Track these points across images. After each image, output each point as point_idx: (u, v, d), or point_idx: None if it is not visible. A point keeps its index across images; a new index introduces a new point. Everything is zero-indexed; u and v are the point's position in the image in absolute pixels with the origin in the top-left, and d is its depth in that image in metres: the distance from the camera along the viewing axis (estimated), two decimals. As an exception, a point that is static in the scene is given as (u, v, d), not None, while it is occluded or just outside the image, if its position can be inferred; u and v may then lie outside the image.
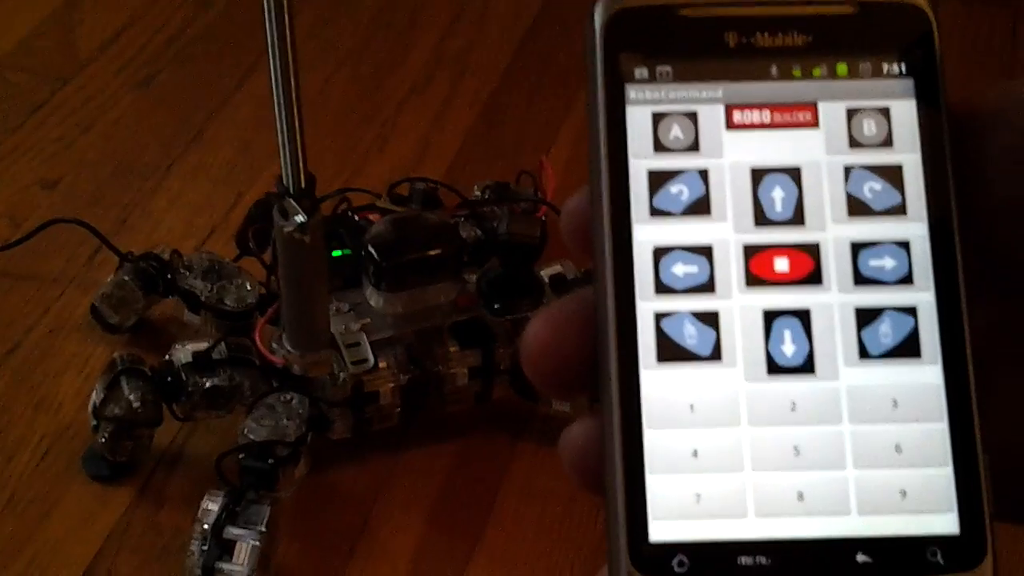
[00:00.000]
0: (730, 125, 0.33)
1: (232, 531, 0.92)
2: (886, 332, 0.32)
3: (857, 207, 0.33)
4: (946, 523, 0.30)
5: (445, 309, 1.04)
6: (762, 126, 0.33)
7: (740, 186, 0.33)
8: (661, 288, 0.32)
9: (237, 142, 1.38)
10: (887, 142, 0.33)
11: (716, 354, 0.32)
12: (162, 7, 1.56)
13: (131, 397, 1.00)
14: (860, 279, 0.32)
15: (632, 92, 0.33)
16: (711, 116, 0.33)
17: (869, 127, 0.33)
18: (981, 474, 0.30)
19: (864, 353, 0.32)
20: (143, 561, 0.98)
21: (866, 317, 0.32)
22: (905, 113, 0.33)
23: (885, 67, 0.33)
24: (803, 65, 0.33)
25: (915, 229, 0.32)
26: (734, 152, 0.33)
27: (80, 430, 1.06)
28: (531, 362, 0.33)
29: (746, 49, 0.33)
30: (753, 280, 0.32)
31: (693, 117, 0.33)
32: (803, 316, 0.32)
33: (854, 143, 0.33)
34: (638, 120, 0.33)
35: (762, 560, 0.30)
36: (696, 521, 0.30)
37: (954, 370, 0.31)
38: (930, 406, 0.31)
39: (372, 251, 1.01)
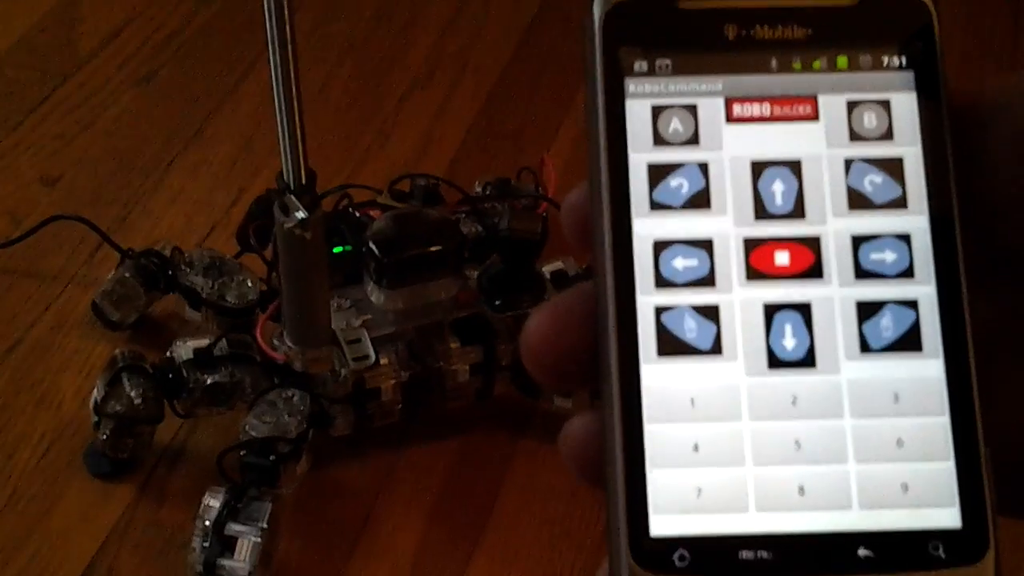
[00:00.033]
0: (730, 118, 0.33)
1: (233, 528, 0.92)
2: (887, 326, 0.31)
3: (858, 200, 0.32)
4: (948, 517, 0.30)
5: (446, 305, 1.04)
6: (762, 119, 0.33)
7: (740, 179, 0.33)
8: (661, 282, 0.32)
9: (238, 138, 1.38)
10: (888, 135, 0.33)
11: (717, 348, 0.31)
12: (162, 4, 1.56)
13: (132, 394, 1.00)
14: (861, 272, 0.32)
15: (631, 85, 0.33)
16: (711, 109, 0.33)
17: (870, 120, 0.33)
18: (983, 468, 0.30)
19: (865, 347, 0.31)
20: (144, 558, 0.99)
21: (867, 311, 0.32)
22: (906, 106, 0.33)
23: (885, 60, 0.33)
24: (803, 58, 0.33)
25: (916, 222, 0.32)
26: (734, 145, 0.33)
27: (81, 427, 1.06)
28: (531, 356, 0.33)
29: (746, 42, 0.33)
30: (754, 274, 0.32)
31: (693, 110, 0.33)
32: (804, 310, 0.32)
33: (854, 136, 0.33)
34: (637, 113, 0.33)
35: (763, 554, 0.30)
36: (697, 515, 0.30)
37: (956, 363, 0.31)
38: (932, 400, 0.31)
39: (373, 247, 1.01)
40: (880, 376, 0.31)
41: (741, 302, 0.32)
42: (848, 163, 0.33)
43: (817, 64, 0.33)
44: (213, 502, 0.93)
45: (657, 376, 0.31)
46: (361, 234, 1.04)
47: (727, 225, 0.32)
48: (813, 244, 0.32)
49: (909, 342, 0.31)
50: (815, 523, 0.30)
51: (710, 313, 0.32)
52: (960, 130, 0.32)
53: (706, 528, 0.30)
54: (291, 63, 0.87)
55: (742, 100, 0.33)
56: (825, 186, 0.33)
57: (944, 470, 0.30)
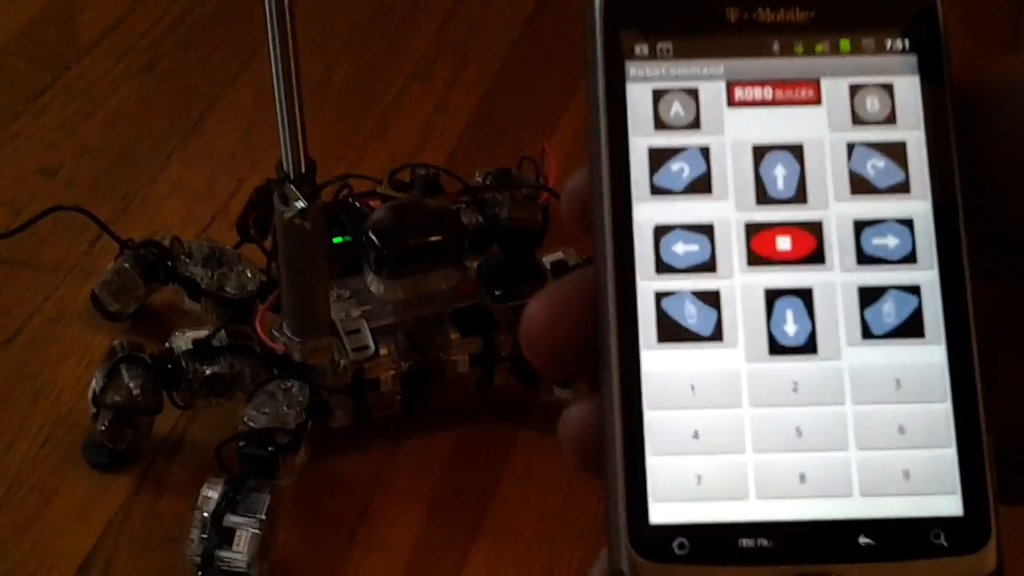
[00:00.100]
0: (731, 102, 0.33)
1: (232, 519, 0.92)
2: (889, 311, 0.31)
3: (860, 185, 0.32)
4: (949, 505, 0.30)
5: (446, 296, 1.04)
6: (764, 103, 0.33)
7: (742, 164, 0.32)
8: (662, 267, 0.32)
9: (238, 129, 1.38)
10: (890, 119, 0.33)
11: (717, 334, 0.31)
12: (162, -6, 1.56)
13: (131, 385, 0.99)
14: (863, 258, 0.32)
15: (632, 69, 0.33)
16: (712, 93, 0.33)
17: (872, 104, 0.33)
18: (985, 455, 0.30)
19: (867, 333, 0.31)
20: (142, 549, 0.98)
21: (869, 296, 0.31)
22: (908, 89, 0.33)
23: (888, 43, 0.33)
24: (805, 41, 0.33)
25: (918, 207, 0.32)
26: (736, 129, 0.33)
27: (80, 418, 1.05)
28: (530, 343, 0.32)
29: (748, 25, 0.32)
30: (755, 259, 0.32)
31: (694, 94, 0.33)
32: (805, 295, 0.31)
33: (857, 120, 0.33)
34: (638, 97, 0.32)
35: (763, 542, 0.29)
36: (697, 503, 0.30)
37: (958, 350, 0.31)
38: (933, 387, 0.31)
39: (373, 237, 1.01)
40: (882, 362, 0.31)
41: (742, 287, 0.31)
42: (850, 147, 0.32)
43: (819, 47, 0.33)
44: (211, 493, 0.92)
45: (657, 362, 0.31)
46: (361, 224, 1.04)
47: (728, 210, 0.32)
48: (815, 229, 0.32)
49: (911, 328, 0.31)
50: (816, 511, 0.30)
51: (711, 299, 0.31)
52: (963, 114, 0.32)
53: (706, 516, 0.30)
54: (291, 53, 0.87)
55: (744, 84, 0.33)
56: (827, 170, 0.32)
57: (945, 457, 0.30)
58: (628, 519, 0.30)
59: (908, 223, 0.32)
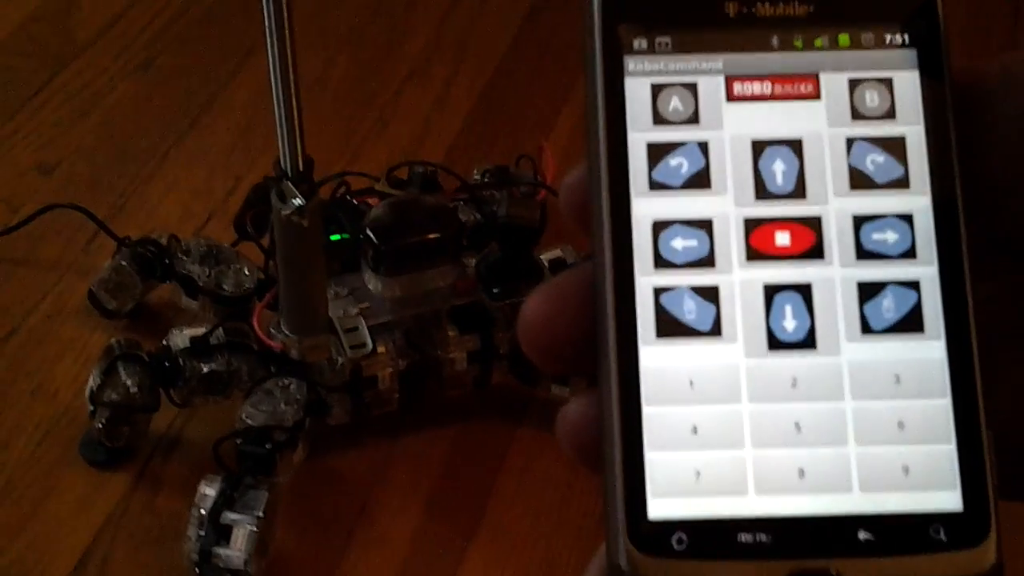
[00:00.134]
0: (730, 97, 0.33)
1: (229, 516, 0.92)
2: (889, 307, 0.31)
3: (859, 180, 0.32)
4: (949, 500, 0.30)
5: (444, 293, 1.04)
6: (763, 98, 0.33)
7: (741, 159, 0.32)
8: (660, 262, 0.31)
9: (236, 127, 1.37)
10: (890, 114, 0.32)
11: (716, 329, 0.31)
12: (160, -9, 1.56)
13: (128, 382, 0.99)
14: (862, 253, 0.32)
15: (631, 63, 0.32)
16: (711, 88, 0.33)
17: (872, 98, 0.33)
18: (985, 451, 0.30)
19: (866, 328, 0.31)
20: (140, 546, 0.98)
21: (868, 291, 0.31)
22: (908, 84, 0.33)
23: (888, 37, 0.33)
24: (804, 35, 0.33)
25: (918, 202, 0.32)
26: (734, 124, 0.32)
27: (77, 416, 1.05)
28: (528, 338, 0.32)
29: (747, 19, 0.32)
30: (754, 254, 0.32)
31: (693, 89, 0.33)
32: (804, 291, 0.31)
33: (856, 115, 0.32)
34: (637, 92, 0.32)
35: (762, 537, 0.29)
36: (695, 498, 0.30)
37: (958, 345, 0.31)
38: (933, 382, 0.31)
39: (371, 235, 1.01)
40: (881, 358, 0.31)
41: (741, 283, 0.31)
42: (850, 142, 0.32)
43: (819, 42, 0.33)
44: (209, 491, 0.92)
45: (655, 358, 0.31)
46: (359, 222, 1.04)
47: (727, 205, 0.32)
48: (814, 224, 0.32)
49: (911, 323, 0.31)
50: (815, 506, 0.30)
51: (710, 294, 0.31)
52: (963, 109, 0.32)
53: (705, 511, 0.30)
54: (288, 50, 0.87)
55: (743, 78, 0.33)
56: (826, 166, 0.32)
57: (945, 453, 0.30)
58: (627, 514, 0.29)
59: (908, 218, 0.32)
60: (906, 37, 0.33)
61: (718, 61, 0.33)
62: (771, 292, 0.31)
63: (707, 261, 0.32)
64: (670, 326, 0.31)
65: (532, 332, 0.32)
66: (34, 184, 1.29)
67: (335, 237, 1.06)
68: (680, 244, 0.32)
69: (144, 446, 1.04)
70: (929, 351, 0.31)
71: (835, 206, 0.32)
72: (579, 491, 1.02)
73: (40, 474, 1.03)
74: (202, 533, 0.91)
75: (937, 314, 0.31)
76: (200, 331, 1.02)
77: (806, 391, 0.31)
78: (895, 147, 0.32)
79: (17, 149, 1.34)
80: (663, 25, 0.32)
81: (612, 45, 0.32)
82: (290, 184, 0.91)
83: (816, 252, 0.32)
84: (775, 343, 0.31)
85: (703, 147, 0.32)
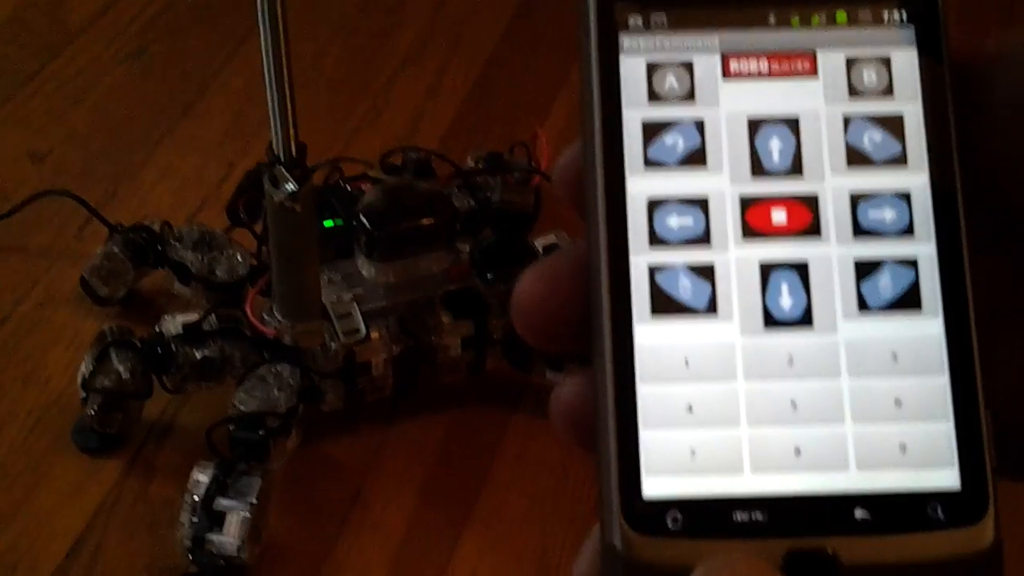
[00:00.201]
0: (727, 74, 0.32)
1: (222, 503, 0.91)
2: (886, 284, 0.31)
3: (856, 157, 0.32)
4: (947, 478, 0.29)
5: (438, 279, 1.04)
6: (759, 75, 0.32)
7: (736, 137, 0.32)
8: (655, 241, 0.31)
9: (229, 113, 1.37)
10: (887, 91, 0.32)
11: (712, 307, 0.31)
12: (152, -22, 1.55)
13: (120, 369, 0.99)
14: (859, 231, 0.31)
15: (626, 41, 0.32)
16: (707, 65, 0.32)
17: (869, 76, 0.32)
18: (983, 428, 0.30)
19: (863, 306, 0.31)
20: (133, 533, 0.98)
21: (865, 269, 0.31)
22: (906, 62, 0.32)
23: (886, 15, 0.32)
24: (801, 13, 0.32)
25: (916, 180, 0.32)
26: (730, 102, 0.32)
27: (69, 403, 1.05)
28: (522, 317, 0.32)
29: None
30: (750, 232, 0.31)
31: (689, 67, 0.32)
32: (801, 268, 0.31)
33: (854, 92, 0.32)
34: (632, 70, 0.32)
35: (758, 516, 0.29)
36: (691, 477, 0.29)
37: (956, 323, 0.30)
38: (931, 359, 0.30)
39: (364, 220, 1.01)
40: (878, 335, 0.31)
41: (737, 261, 0.31)
42: (847, 120, 0.32)
43: (816, 19, 0.32)
44: (202, 477, 0.92)
45: (650, 336, 0.30)
46: (352, 208, 1.04)
47: (723, 183, 0.32)
48: (811, 202, 0.32)
49: (908, 301, 0.31)
50: (811, 484, 0.29)
51: (705, 272, 0.31)
52: (962, 86, 0.32)
53: (700, 490, 0.29)
54: (281, 34, 0.86)
55: (739, 56, 0.32)
56: (823, 143, 0.32)
57: (943, 431, 0.30)
58: (621, 493, 0.29)
59: (905, 196, 0.31)
60: (904, 15, 0.32)
61: (714, 39, 0.32)
62: (767, 270, 0.31)
63: (702, 239, 0.31)
64: (665, 304, 0.31)
65: (525, 312, 0.32)
66: (26, 171, 1.28)
67: (328, 223, 1.06)
68: (675, 222, 0.31)
69: (137, 433, 1.04)
70: (927, 329, 0.31)
71: (832, 184, 0.32)
72: (574, 477, 1.02)
73: (32, 461, 1.03)
74: (195, 520, 0.91)
75: (935, 292, 0.31)
76: (193, 317, 1.01)
77: (802, 369, 0.30)
78: (893, 125, 0.32)
79: (9, 136, 1.33)
80: (658, 2, 0.32)
81: (607, 23, 0.32)
82: (283, 169, 0.90)
83: (813, 230, 0.31)
84: (771, 321, 0.31)
85: (699, 125, 0.32)
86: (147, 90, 1.40)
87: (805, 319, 0.31)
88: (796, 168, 0.32)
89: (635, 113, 0.32)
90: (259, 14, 0.85)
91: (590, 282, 0.31)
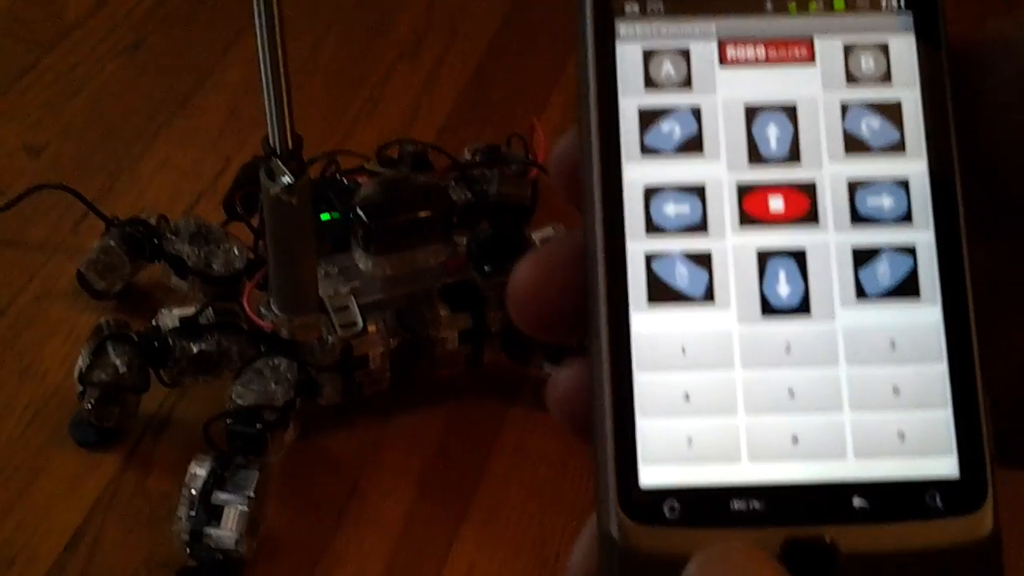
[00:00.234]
0: (723, 61, 0.32)
1: (220, 496, 0.91)
2: (884, 272, 0.31)
3: (854, 144, 0.32)
4: (945, 466, 0.29)
5: (435, 272, 1.03)
6: (756, 62, 0.32)
7: (734, 124, 0.32)
8: (652, 228, 0.31)
9: (225, 107, 1.37)
10: (885, 78, 0.32)
11: (709, 295, 0.31)
12: (148, -29, 1.55)
13: (117, 362, 0.99)
14: (857, 218, 0.31)
15: (622, 28, 0.32)
16: (704, 52, 0.32)
17: (867, 63, 0.32)
18: (982, 416, 0.30)
19: (861, 293, 0.31)
20: (130, 527, 0.98)
21: (863, 257, 0.31)
22: (904, 48, 0.32)
23: (883, 1, 0.32)
24: None
25: (914, 167, 0.31)
26: (728, 89, 0.32)
27: (67, 397, 1.05)
28: (518, 306, 0.32)
29: None
30: (747, 219, 0.31)
31: (685, 54, 0.32)
32: (798, 256, 0.31)
33: (851, 79, 0.32)
34: (628, 57, 0.32)
35: (755, 505, 0.29)
36: (688, 466, 0.29)
37: (954, 310, 0.30)
38: (929, 347, 0.30)
39: (361, 213, 1.00)
40: (876, 323, 0.30)
41: (734, 248, 0.31)
42: (845, 107, 0.32)
43: (813, 5, 0.32)
44: (199, 470, 0.92)
45: (647, 324, 0.30)
46: (349, 201, 1.03)
47: (720, 170, 0.31)
48: (808, 189, 0.31)
49: (906, 288, 0.31)
50: (809, 473, 0.29)
51: (702, 260, 0.31)
52: (960, 72, 0.32)
53: (697, 478, 0.29)
54: (277, 27, 0.86)
55: (736, 42, 0.32)
56: (821, 130, 0.32)
57: (941, 418, 0.30)
58: (618, 482, 0.29)
59: (903, 183, 0.31)
60: (902, 0, 0.32)
61: (710, 25, 0.32)
62: (764, 257, 0.31)
63: (699, 227, 0.31)
64: (662, 292, 0.31)
65: (521, 301, 0.32)
66: (22, 165, 1.28)
67: (325, 216, 1.05)
68: (672, 210, 0.31)
69: (134, 426, 1.04)
70: (925, 316, 0.30)
71: (830, 171, 0.31)
72: (572, 470, 1.02)
73: (29, 455, 1.02)
74: (193, 513, 0.91)
75: (933, 279, 0.31)
76: (190, 311, 1.01)
77: (800, 357, 0.30)
78: (891, 111, 0.32)
79: (5, 130, 1.33)
80: None
81: (603, 9, 0.32)
82: (279, 162, 0.90)
83: (810, 217, 0.31)
84: (768, 309, 0.30)
85: (695, 112, 0.32)
86: (144, 84, 1.40)
87: (803, 307, 0.31)
88: (793, 155, 0.32)
89: (631, 100, 0.32)
90: (255, 7, 0.85)
91: (586, 270, 0.31)
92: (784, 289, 0.31)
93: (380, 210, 1.01)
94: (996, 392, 0.30)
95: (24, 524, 0.98)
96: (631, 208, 0.31)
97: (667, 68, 0.32)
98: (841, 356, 0.30)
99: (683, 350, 0.30)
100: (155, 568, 0.95)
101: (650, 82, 0.32)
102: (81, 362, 1.00)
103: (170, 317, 1.01)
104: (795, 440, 0.30)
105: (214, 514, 0.91)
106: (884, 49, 0.32)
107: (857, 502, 0.29)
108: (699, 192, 0.31)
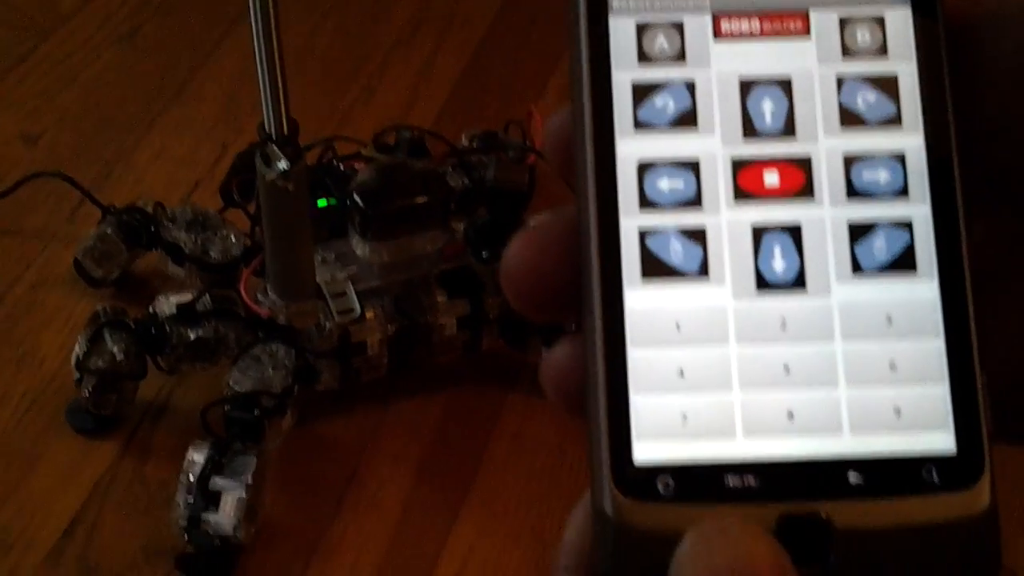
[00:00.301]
0: (718, 35, 0.32)
1: (218, 482, 0.91)
2: (880, 246, 0.30)
3: (850, 118, 0.31)
4: (942, 441, 0.29)
5: (432, 258, 1.03)
6: (751, 35, 0.32)
7: (728, 98, 0.31)
8: (646, 203, 0.31)
9: (222, 95, 1.36)
10: (881, 51, 0.32)
11: (703, 271, 0.30)
12: (144, -41, 1.54)
13: (114, 349, 0.99)
14: (853, 192, 0.31)
15: (615, 1, 0.32)
16: (698, 26, 0.32)
17: (863, 36, 0.32)
18: (978, 391, 0.29)
19: (857, 268, 0.30)
20: (128, 514, 0.98)
21: (859, 231, 0.31)
22: (900, 21, 0.32)
23: None
24: None
25: (911, 141, 0.31)
26: (722, 63, 0.32)
27: (64, 384, 1.05)
28: (511, 283, 0.31)
29: None
30: (741, 194, 0.31)
31: (679, 27, 0.32)
32: (794, 231, 0.31)
33: (847, 52, 0.32)
34: (621, 31, 0.32)
35: (750, 480, 0.29)
36: (682, 442, 0.29)
37: (951, 285, 0.30)
38: (926, 322, 0.30)
39: (358, 199, 1.00)
40: (872, 298, 0.30)
41: (728, 224, 0.31)
42: (840, 80, 0.32)
43: None
44: (197, 457, 0.92)
45: (641, 299, 0.30)
46: (346, 187, 1.03)
47: (714, 145, 0.31)
48: (804, 164, 0.31)
49: (903, 263, 0.30)
50: (804, 448, 0.29)
51: (696, 235, 0.31)
52: (957, 45, 0.31)
53: (692, 455, 0.29)
54: (272, 12, 0.85)
55: (730, 16, 0.32)
56: (816, 104, 0.31)
57: (938, 394, 0.29)
58: (611, 458, 0.29)
59: (900, 157, 0.31)
60: None
61: None
62: (759, 233, 0.30)
63: (694, 202, 0.31)
64: (656, 268, 0.30)
65: (515, 278, 0.31)
66: (18, 153, 1.28)
67: (322, 202, 1.05)
68: (666, 185, 0.31)
69: (132, 413, 1.04)
70: (922, 291, 0.30)
71: (825, 145, 0.31)
72: (571, 455, 1.02)
73: (27, 442, 1.02)
74: (190, 499, 0.91)
75: (930, 254, 0.30)
76: (187, 298, 1.01)
77: (795, 332, 0.30)
78: (887, 85, 0.31)
79: (1, 118, 1.32)
80: None
81: None
82: (275, 147, 0.90)
83: (806, 192, 0.31)
84: (764, 284, 0.30)
85: (689, 86, 0.31)
86: (140, 72, 1.39)
87: (798, 282, 0.30)
88: (789, 129, 0.31)
89: (625, 75, 0.31)
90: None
91: (580, 246, 0.31)
92: (779, 264, 0.30)
93: (377, 196, 1.00)
94: (993, 367, 0.30)
95: (22, 511, 0.98)
96: (625, 183, 0.31)
97: (661, 42, 0.32)
98: (837, 331, 0.30)
99: (677, 326, 0.30)
100: (153, 554, 0.95)
101: (643, 56, 0.32)
102: (78, 349, 1.00)
103: (167, 304, 1.01)
104: (790, 416, 0.29)
105: (212, 500, 0.91)
106: (880, 22, 0.32)
107: (853, 478, 0.29)
108: (693, 167, 0.31)
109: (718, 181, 0.31)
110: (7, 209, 1.21)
